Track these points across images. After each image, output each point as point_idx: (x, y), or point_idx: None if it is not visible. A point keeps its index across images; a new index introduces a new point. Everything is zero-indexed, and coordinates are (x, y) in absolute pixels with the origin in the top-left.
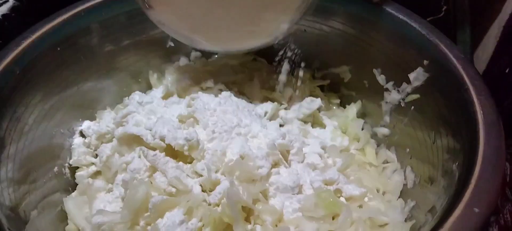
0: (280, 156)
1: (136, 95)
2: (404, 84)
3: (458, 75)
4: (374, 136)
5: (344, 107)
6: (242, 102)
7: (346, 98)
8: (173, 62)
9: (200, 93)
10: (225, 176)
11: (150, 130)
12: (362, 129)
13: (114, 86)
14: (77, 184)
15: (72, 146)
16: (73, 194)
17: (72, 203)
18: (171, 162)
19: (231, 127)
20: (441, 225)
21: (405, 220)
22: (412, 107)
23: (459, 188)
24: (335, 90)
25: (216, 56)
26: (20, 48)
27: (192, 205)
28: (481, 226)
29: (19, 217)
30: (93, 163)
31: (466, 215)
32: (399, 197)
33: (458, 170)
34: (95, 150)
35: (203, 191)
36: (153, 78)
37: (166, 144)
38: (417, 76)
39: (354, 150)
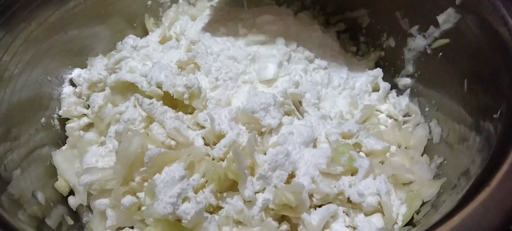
0: (293, 106)
1: (130, 40)
2: (431, 28)
3: (497, 13)
4: (394, 86)
5: (362, 56)
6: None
7: (364, 45)
8: (170, 5)
9: (201, 36)
10: (230, 127)
11: (146, 77)
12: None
13: (107, 31)
14: (67, 137)
15: (62, 96)
16: (63, 147)
17: (61, 157)
18: (170, 112)
19: (237, 74)
20: (487, 183)
21: (433, 178)
22: (440, 53)
23: (504, 139)
24: (352, 37)
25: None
26: None
27: (194, 159)
28: None
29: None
30: (84, 114)
31: None
32: (423, 153)
33: (499, 120)
34: (87, 100)
35: (205, 144)
36: (149, 22)
37: (163, 92)
38: (447, 18)
39: (373, 100)
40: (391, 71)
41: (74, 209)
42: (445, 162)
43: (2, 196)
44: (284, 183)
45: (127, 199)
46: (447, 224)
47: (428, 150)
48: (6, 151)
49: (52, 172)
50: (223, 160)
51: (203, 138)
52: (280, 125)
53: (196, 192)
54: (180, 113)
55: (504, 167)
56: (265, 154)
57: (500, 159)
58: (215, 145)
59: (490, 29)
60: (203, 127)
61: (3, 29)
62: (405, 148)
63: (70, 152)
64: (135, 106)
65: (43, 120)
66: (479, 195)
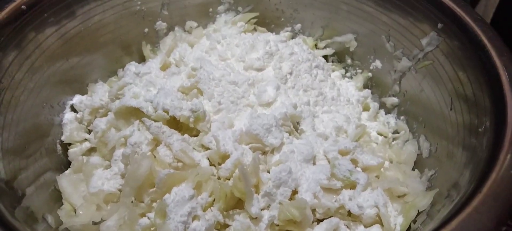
0: (292, 127)
1: (132, 66)
2: (416, 50)
3: (476, 37)
4: (382, 105)
5: (350, 78)
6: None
7: (352, 68)
8: (167, 33)
9: (202, 62)
10: (235, 148)
11: (151, 102)
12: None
13: (105, 58)
14: (70, 162)
15: (63, 122)
16: (67, 171)
17: (66, 181)
18: (176, 135)
19: (238, 98)
20: (479, 190)
21: (426, 190)
22: (425, 73)
23: (490, 152)
24: (340, 60)
25: (213, 25)
26: (3, 13)
27: (201, 179)
28: None
29: (13, 191)
30: (86, 139)
31: (503, 178)
32: (414, 168)
33: (484, 134)
34: (88, 125)
35: (211, 164)
36: (146, 49)
37: (169, 116)
38: (430, 41)
39: (364, 120)
40: (378, 91)
41: None
42: (436, 174)
43: (17, 209)
44: (288, 199)
45: (143, 221)
46: (445, 229)
47: (418, 164)
48: (19, 168)
49: (57, 196)
50: (229, 179)
51: (208, 159)
52: (282, 144)
53: (204, 210)
54: (186, 136)
55: (493, 175)
56: (268, 172)
57: (489, 168)
58: (220, 165)
59: (471, 51)
60: (208, 148)
61: (11, 54)
62: (397, 163)
63: (75, 176)
64: (139, 130)
65: (46, 145)
66: (472, 202)
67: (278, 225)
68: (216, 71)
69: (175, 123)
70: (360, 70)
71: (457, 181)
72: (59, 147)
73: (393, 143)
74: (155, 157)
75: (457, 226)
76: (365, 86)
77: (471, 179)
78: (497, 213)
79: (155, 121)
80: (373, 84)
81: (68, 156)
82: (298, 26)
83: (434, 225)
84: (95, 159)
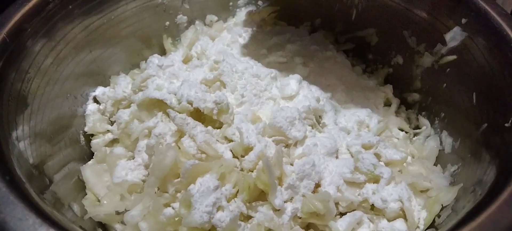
0: (315, 120)
1: (155, 59)
2: (439, 46)
3: (501, 32)
4: (403, 101)
5: (371, 73)
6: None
7: (372, 63)
8: (187, 26)
9: (225, 55)
10: (258, 140)
11: (175, 94)
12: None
13: (126, 50)
14: (93, 153)
15: (86, 113)
16: (90, 162)
17: (90, 172)
18: (200, 126)
19: (261, 91)
20: (508, 182)
21: (449, 185)
22: (448, 69)
23: None
24: (361, 55)
25: (233, 19)
26: (30, 4)
27: (225, 170)
28: None
29: (43, 176)
30: (109, 130)
31: None
32: (437, 164)
33: (510, 131)
34: (111, 116)
35: (234, 157)
36: (167, 42)
37: (193, 108)
38: (453, 36)
39: (386, 115)
40: (400, 87)
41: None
42: (459, 170)
43: (46, 194)
44: (311, 192)
45: (168, 211)
46: (474, 222)
47: (440, 160)
48: (47, 155)
49: (81, 186)
50: (252, 171)
51: (231, 151)
52: (305, 137)
53: (228, 201)
54: (209, 127)
55: None
56: (292, 165)
57: None
58: (243, 157)
59: (495, 47)
60: (231, 140)
61: (37, 45)
62: (419, 158)
63: (99, 166)
64: (162, 121)
65: (70, 136)
66: (501, 195)
67: (301, 218)
68: (238, 64)
69: (198, 115)
70: (380, 66)
71: (482, 177)
72: (82, 138)
73: (414, 138)
74: (179, 148)
75: (486, 218)
76: (386, 81)
77: (498, 174)
78: None
79: (179, 113)
80: (394, 80)
81: (91, 147)
82: (318, 20)
83: (458, 219)
84: (118, 149)
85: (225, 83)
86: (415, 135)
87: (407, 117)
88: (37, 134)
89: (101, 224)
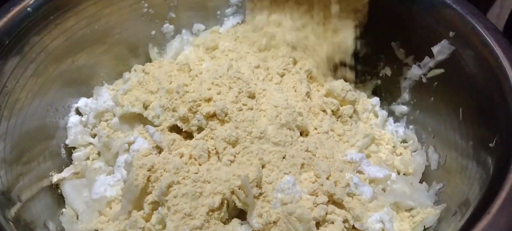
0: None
1: (139, 69)
2: (427, 59)
3: (488, 47)
4: (391, 114)
5: (359, 83)
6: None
7: (360, 74)
8: (174, 35)
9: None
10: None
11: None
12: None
13: (111, 60)
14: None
15: (68, 125)
16: (64, 172)
17: (70, 187)
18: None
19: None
20: (489, 208)
21: (434, 204)
22: (435, 83)
23: (503, 164)
24: (350, 66)
25: (221, 29)
26: (8, 15)
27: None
28: None
29: (11, 201)
30: (91, 143)
31: None
32: (422, 180)
33: (495, 150)
34: (93, 128)
35: None
36: (152, 52)
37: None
38: (441, 49)
39: (373, 128)
40: (387, 99)
41: None
42: (444, 188)
43: (16, 221)
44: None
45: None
46: None
47: (426, 176)
48: (17, 175)
49: (60, 201)
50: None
51: None
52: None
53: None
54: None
55: (503, 194)
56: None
57: (498, 186)
58: None
59: (482, 61)
60: None
61: (16, 58)
62: (404, 174)
63: (78, 182)
64: (142, 135)
65: (50, 149)
66: (480, 222)
67: None
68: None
69: (179, 129)
70: (369, 77)
71: (466, 198)
72: (63, 151)
73: (401, 153)
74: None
75: None
76: (374, 93)
77: (480, 198)
78: None
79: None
80: (382, 92)
81: (72, 160)
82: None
83: None
84: (98, 164)
85: None
86: (402, 149)
87: (394, 130)
88: (11, 155)
89: None
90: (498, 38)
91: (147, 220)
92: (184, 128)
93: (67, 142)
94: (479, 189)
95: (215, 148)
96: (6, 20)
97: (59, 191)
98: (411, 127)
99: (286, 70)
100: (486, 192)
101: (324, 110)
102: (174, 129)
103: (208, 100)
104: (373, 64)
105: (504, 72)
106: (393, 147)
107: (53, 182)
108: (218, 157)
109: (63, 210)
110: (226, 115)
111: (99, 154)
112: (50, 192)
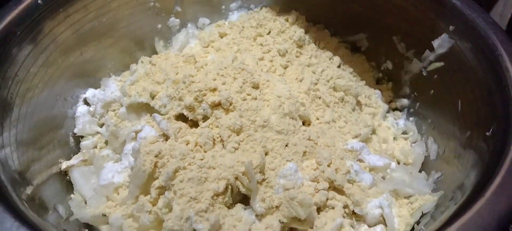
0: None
1: (145, 61)
2: (427, 52)
3: (488, 41)
4: (392, 107)
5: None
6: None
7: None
8: (179, 29)
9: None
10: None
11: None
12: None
13: (118, 52)
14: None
15: (76, 115)
16: (73, 160)
17: (78, 173)
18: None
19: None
20: (482, 193)
21: (432, 192)
22: (435, 76)
23: (497, 155)
24: None
25: (226, 22)
26: (20, 7)
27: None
28: None
29: (26, 181)
30: (98, 132)
31: (509, 181)
32: (421, 170)
33: (493, 137)
34: (100, 118)
35: None
36: (159, 45)
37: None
38: (441, 43)
39: (374, 119)
40: (389, 92)
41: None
42: (442, 177)
43: (29, 200)
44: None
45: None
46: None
47: (425, 166)
48: (31, 160)
49: (69, 187)
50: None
51: None
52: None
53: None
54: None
55: (497, 179)
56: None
57: (493, 172)
58: None
59: (481, 54)
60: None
61: (27, 48)
62: (404, 164)
63: (86, 169)
64: (149, 123)
65: (59, 137)
66: (475, 205)
67: (282, 222)
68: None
69: (185, 118)
70: (371, 70)
71: (462, 183)
72: (71, 139)
73: (401, 144)
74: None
75: (458, 228)
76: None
77: (476, 183)
78: (498, 217)
79: (164, 115)
80: (383, 85)
81: (80, 148)
82: (310, 24)
83: (435, 227)
84: (106, 152)
85: None
86: (402, 140)
87: (395, 122)
88: (23, 139)
89: (87, 226)
90: (497, 31)
91: (154, 204)
92: (190, 116)
93: (75, 131)
94: (475, 175)
95: (220, 136)
96: (17, 12)
97: (68, 177)
98: (411, 119)
99: (289, 62)
100: (481, 177)
101: (326, 102)
102: (180, 117)
103: (213, 90)
104: (375, 58)
105: (503, 65)
106: (394, 138)
107: (62, 169)
108: (223, 145)
109: (72, 195)
110: (230, 104)
111: (106, 142)
112: (59, 178)
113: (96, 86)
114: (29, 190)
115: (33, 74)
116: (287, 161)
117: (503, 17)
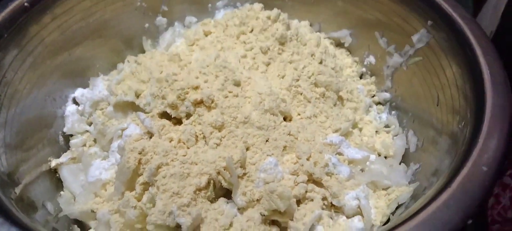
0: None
1: (131, 60)
2: (407, 47)
3: (463, 35)
4: (375, 101)
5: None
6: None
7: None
8: (167, 28)
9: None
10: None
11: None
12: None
13: (107, 52)
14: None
15: (66, 114)
16: (62, 157)
17: (67, 171)
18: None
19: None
20: (449, 184)
21: (409, 183)
22: (415, 70)
23: (466, 148)
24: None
25: (212, 21)
26: (7, 10)
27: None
28: (490, 184)
29: (14, 183)
30: (87, 131)
31: (474, 174)
32: (402, 162)
33: (463, 130)
34: (89, 117)
35: None
36: (146, 44)
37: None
38: (420, 37)
39: (356, 114)
40: (372, 86)
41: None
42: (420, 168)
43: (18, 200)
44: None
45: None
46: (413, 220)
47: (405, 158)
48: (20, 160)
49: (58, 185)
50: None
51: None
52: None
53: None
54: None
55: (464, 171)
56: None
57: (462, 163)
58: None
59: (456, 49)
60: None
61: (14, 50)
62: (385, 157)
63: (75, 166)
64: (135, 122)
65: (48, 136)
66: (441, 195)
67: (263, 215)
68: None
69: (168, 116)
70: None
71: (436, 170)
72: (61, 138)
73: (383, 137)
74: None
75: (425, 218)
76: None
77: (446, 174)
78: (463, 208)
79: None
80: (366, 79)
81: (69, 147)
82: (295, 21)
83: (403, 217)
84: (94, 149)
85: None
86: (384, 133)
87: (377, 115)
88: (12, 140)
89: (76, 221)
90: (472, 26)
91: (138, 200)
92: (173, 114)
93: (64, 130)
94: (448, 163)
95: (202, 133)
96: (4, 14)
97: (57, 175)
98: (393, 112)
99: (271, 59)
100: (451, 168)
101: (307, 98)
102: (164, 115)
103: (196, 88)
104: (359, 53)
105: (476, 59)
106: (376, 131)
107: (51, 167)
108: (205, 141)
109: (61, 192)
110: (212, 102)
111: (95, 140)
112: (49, 176)
113: (85, 85)
114: (18, 190)
115: (21, 75)
116: (267, 155)
117: (497, 9)
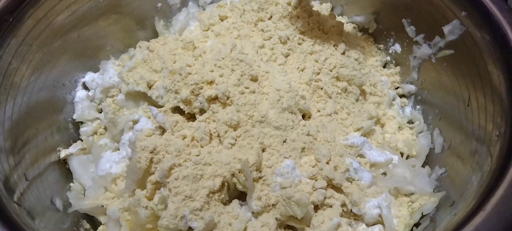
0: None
1: (144, 45)
2: (437, 38)
3: (501, 30)
4: (399, 93)
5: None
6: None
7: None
8: (180, 8)
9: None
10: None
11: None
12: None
13: (118, 32)
14: (82, 140)
15: (75, 100)
16: (72, 148)
17: (77, 162)
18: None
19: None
20: (482, 206)
21: (433, 191)
22: (445, 64)
23: (502, 162)
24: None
25: (228, 3)
26: None
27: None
28: None
29: (16, 183)
30: (97, 118)
31: (509, 197)
32: (425, 163)
33: (499, 140)
34: (100, 103)
35: None
36: (159, 25)
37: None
38: (452, 29)
39: (378, 109)
40: (396, 77)
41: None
42: (445, 173)
43: (23, 202)
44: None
45: (146, 210)
46: None
47: (429, 159)
48: (24, 154)
49: (65, 178)
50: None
51: None
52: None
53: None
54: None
55: (499, 191)
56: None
57: (496, 182)
58: None
59: (493, 46)
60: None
61: (20, 35)
62: (407, 156)
63: (85, 157)
64: (146, 114)
65: (58, 124)
66: (474, 219)
67: (279, 220)
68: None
69: (182, 109)
70: (378, 54)
71: (464, 189)
72: (70, 125)
73: (406, 133)
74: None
75: None
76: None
77: (478, 190)
78: None
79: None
80: (390, 69)
81: (79, 135)
82: (316, 3)
83: None
84: (104, 140)
85: None
86: (408, 129)
87: (401, 109)
88: (20, 125)
89: (85, 215)
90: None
91: (149, 199)
92: (187, 110)
93: (74, 116)
94: (478, 181)
95: (217, 131)
96: None
97: (67, 166)
98: (418, 107)
99: (291, 50)
100: (484, 187)
101: (328, 93)
102: (177, 109)
103: (210, 83)
104: (383, 40)
105: None
106: (399, 127)
107: (60, 158)
108: (220, 140)
109: (71, 184)
110: (228, 98)
111: (105, 128)
112: (59, 167)
113: (95, 69)
114: (21, 190)
115: (28, 61)
116: (284, 157)
117: None
